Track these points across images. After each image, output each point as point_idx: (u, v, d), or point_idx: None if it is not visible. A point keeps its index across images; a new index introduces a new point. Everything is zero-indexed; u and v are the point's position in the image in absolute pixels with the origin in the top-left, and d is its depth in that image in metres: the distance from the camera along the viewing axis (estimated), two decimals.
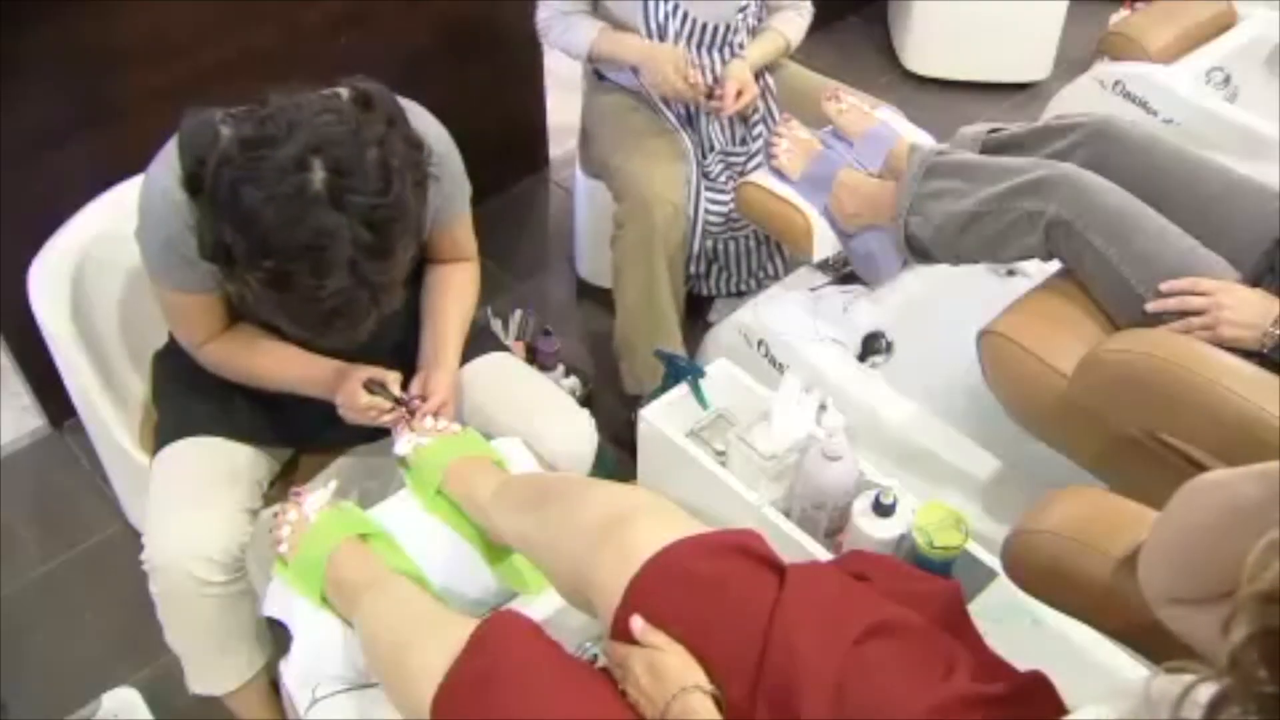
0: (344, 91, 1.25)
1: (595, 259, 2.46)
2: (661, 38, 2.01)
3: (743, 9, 2.03)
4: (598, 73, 2.19)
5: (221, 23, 1.97)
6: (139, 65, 1.90)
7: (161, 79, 1.91)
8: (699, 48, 2.03)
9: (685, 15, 2.00)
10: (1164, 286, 1.53)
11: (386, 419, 1.46)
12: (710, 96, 2.02)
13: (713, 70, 2.05)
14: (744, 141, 2.12)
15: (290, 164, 1.14)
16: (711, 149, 2.10)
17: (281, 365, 1.48)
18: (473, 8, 2.42)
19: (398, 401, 1.46)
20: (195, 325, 1.45)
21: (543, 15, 2.08)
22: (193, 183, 1.23)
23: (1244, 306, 1.48)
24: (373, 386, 1.45)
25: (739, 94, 2.01)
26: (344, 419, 1.47)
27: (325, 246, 1.15)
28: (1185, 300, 1.51)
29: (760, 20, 2.11)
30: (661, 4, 1.98)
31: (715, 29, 2.02)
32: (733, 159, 2.11)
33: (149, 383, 1.64)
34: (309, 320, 1.23)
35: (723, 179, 2.09)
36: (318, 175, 1.15)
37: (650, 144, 2.05)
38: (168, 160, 1.30)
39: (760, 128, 2.12)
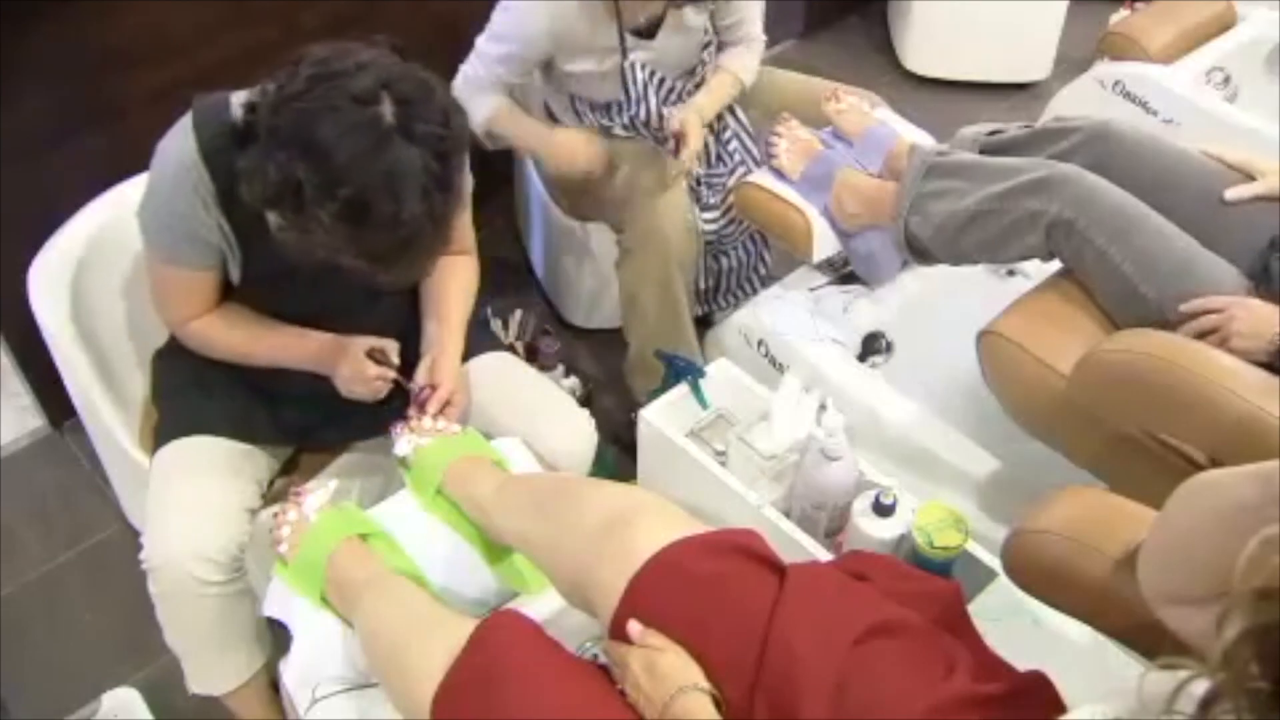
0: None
1: (569, 297, 2.43)
2: (643, 101, 1.98)
3: (705, 46, 2.01)
4: (551, 115, 2.14)
5: (221, 23, 1.97)
6: (139, 65, 1.90)
7: (161, 79, 1.91)
8: (669, 98, 2.01)
9: (659, 77, 1.98)
10: (1183, 308, 1.53)
11: (387, 382, 1.46)
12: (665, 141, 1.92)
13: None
14: (720, 159, 2.10)
15: (365, 95, 1.17)
16: (714, 163, 2.09)
17: (274, 337, 1.48)
18: (473, 8, 2.41)
19: (410, 395, 1.46)
20: (183, 302, 1.44)
21: (457, 82, 1.97)
22: (242, 131, 1.24)
23: (1255, 320, 1.47)
24: (375, 355, 1.46)
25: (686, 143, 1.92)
26: (346, 394, 1.47)
27: (403, 175, 1.17)
28: (1200, 322, 1.51)
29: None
30: (640, 73, 1.95)
31: (685, 76, 2.01)
32: (714, 179, 2.08)
33: (149, 382, 1.64)
34: (383, 251, 1.23)
35: (706, 196, 2.07)
36: (388, 108, 1.18)
37: (647, 168, 2.00)
38: (183, 133, 1.31)
39: (735, 143, 2.09)
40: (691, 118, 1.94)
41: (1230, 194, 1.61)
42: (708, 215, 2.06)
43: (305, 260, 1.25)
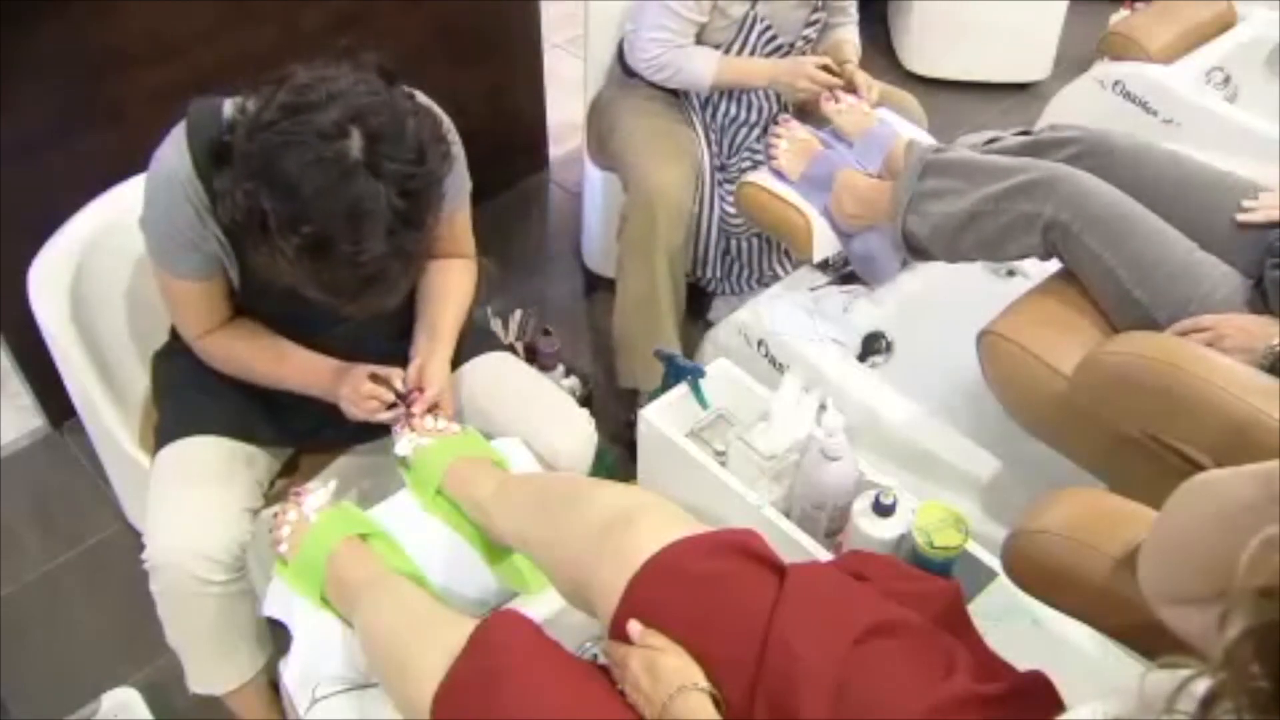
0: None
1: (601, 250, 2.48)
2: (753, 51, 2.05)
3: (811, 24, 2.08)
4: (625, 67, 2.17)
5: (221, 23, 1.97)
6: (139, 65, 1.90)
7: (161, 79, 1.91)
8: (776, 53, 2.08)
9: (771, 32, 2.04)
10: (1173, 329, 1.52)
11: (384, 416, 1.46)
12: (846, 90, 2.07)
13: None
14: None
15: (332, 130, 1.15)
16: (736, 151, 2.11)
17: (282, 361, 1.48)
18: (473, 8, 2.42)
19: (399, 396, 1.46)
20: (197, 315, 1.44)
21: (652, 51, 2.01)
22: (220, 150, 1.23)
23: (1243, 335, 1.47)
24: (377, 380, 1.45)
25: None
26: (347, 414, 1.47)
27: (366, 212, 1.16)
28: (1192, 338, 1.50)
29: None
30: (755, 32, 2.02)
31: (791, 45, 2.08)
32: (760, 158, 2.11)
33: (149, 382, 1.64)
34: (345, 287, 1.23)
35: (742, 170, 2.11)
36: (356, 143, 1.16)
37: (663, 142, 2.04)
38: (176, 144, 1.31)
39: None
40: (859, 73, 2.09)
41: (1243, 217, 1.60)
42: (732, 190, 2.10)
43: (279, 281, 1.25)
